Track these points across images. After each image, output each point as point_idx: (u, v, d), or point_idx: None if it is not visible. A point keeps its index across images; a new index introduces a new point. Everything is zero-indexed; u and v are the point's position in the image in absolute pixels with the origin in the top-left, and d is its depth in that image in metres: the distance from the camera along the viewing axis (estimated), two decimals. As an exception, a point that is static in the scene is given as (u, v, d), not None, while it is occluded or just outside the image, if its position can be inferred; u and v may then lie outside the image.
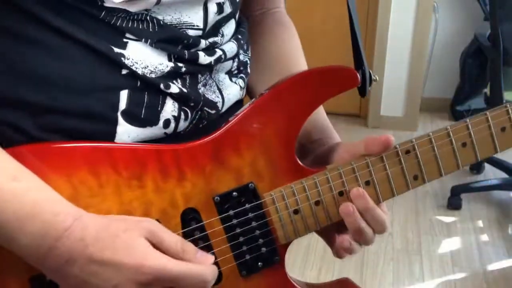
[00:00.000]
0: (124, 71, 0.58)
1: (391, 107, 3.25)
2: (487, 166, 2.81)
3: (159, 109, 0.60)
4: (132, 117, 0.59)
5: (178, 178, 0.60)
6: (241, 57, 0.72)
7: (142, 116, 0.60)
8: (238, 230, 0.62)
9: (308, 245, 2.30)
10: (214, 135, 0.61)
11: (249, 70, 0.74)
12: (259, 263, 0.64)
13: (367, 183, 0.63)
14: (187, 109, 0.63)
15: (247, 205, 0.62)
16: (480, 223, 2.42)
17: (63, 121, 0.58)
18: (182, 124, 0.63)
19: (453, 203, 2.50)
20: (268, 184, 0.62)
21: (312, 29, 3.23)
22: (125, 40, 0.57)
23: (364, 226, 0.62)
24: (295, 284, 0.66)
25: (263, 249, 0.63)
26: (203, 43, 0.62)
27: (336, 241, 0.66)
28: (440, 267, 2.17)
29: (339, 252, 0.66)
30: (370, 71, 0.67)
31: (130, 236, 0.53)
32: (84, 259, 0.52)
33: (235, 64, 0.70)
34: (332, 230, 0.67)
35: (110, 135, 0.59)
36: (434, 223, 2.43)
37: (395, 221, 2.45)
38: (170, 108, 0.61)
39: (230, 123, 0.61)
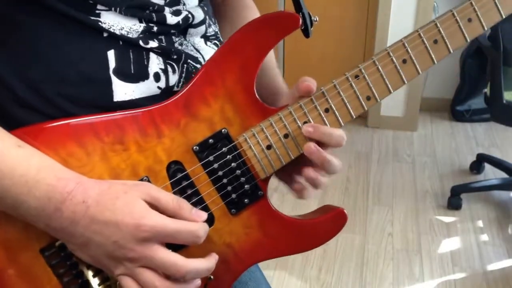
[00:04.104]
0: (105, 34, 0.64)
1: (391, 107, 3.25)
2: (487, 166, 2.81)
3: (146, 63, 0.67)
4: (123, 74, 0.65)
5: (157, 136, 0.65)
6: (213, 27, 0.77)
7: (133, 72, 0.66)
8: (220, 173, 0.68)
9: (308, 245, 2.30)
10: (182, 91, 0.67)
11: (221, 39, 0.80)
12: (245, 200, 0.69)
13: (327, 110, 0.70)
14: (172, 62, 0.69)
15: (224, 149, 0.67)
16: (480, 223, 2.42)
17: (63, 90, 0.64)
18: (173, 78, 0.69)
19: (453, 203, 2.50)
20: (239, 128, 0.68)
21: (312, 30, 3.22)
22: (97, 11, 0.64)
23: (329, 158, 0.67)
24: (281, 214, 0.71)
25: (246, 186, 0.69)
26: (168, 10, 0.69)
27: (295, 182, 0.72)
28: (440, 267, 2.17)
29: (299, 192, 0.73)
30: (309, 12, 0.73)
31: (129, 198, 0.58)
32: (87, 219, 0.57)
33: (210, 30, 0.75)
34: (291, 173, 0.73)
35: (108, 96, 0.65)
36: (434, 223, 2.44)
37: (395, 221, 2.45)
38: (155, 62, 0.67)
39: (195, 78, 0.67)
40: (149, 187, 0.61)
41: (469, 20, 0.70)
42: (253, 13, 0.87)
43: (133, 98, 0.66)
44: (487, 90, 2.41)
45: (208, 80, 0.67)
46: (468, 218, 2.46)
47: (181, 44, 0.71)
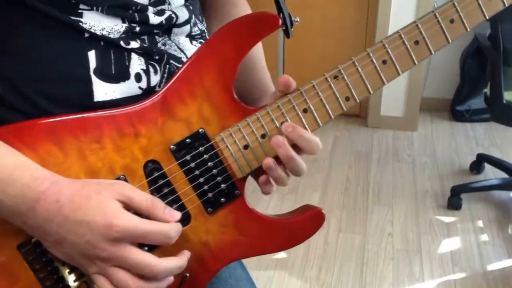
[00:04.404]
0: (86, 34, 0.65)
1: (391, 107, 3.25)
2: (487, 166, 2.81)
3: (127, 64, 0.67)
4: (104, 74, 0.66)
5: (134, 135, 0.66)
6: (199, 25, 0.77)
7: (113, 72, 0.66)
8: (196, 172, 0.68)
9: (308, 244, 2.30)
10: (161, 91, 0.67)
11: (208, 37, 0.80)
12: (222, 199, 0.70)
13: (305, 110, 0.69)
14: (154, 63, 0.69)
15: (201, 148, 0.68)
16: (480, 223, 2.42)
17: (44, 89, 0.64)
18: (154, 78, 0.69)
19: (453, 203, 2.50)
20: (217, 127, 0.68)
21: (312, 29, 3.23)
22: (79, 11, 0.64)
23: (294, 155, 0.67)
24: (258, 213, 0.72)
25: (223, 185, 0.69)
26: (151, 9, 0.69)
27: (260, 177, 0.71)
28: (440, 267, 2.17)
29: (263, 188, 0.71)
30: (290, 13, 0.72)
31: (102, 198, 0.59)
32: (60, 218, 0.58)
33: (196, 29, 0.75)
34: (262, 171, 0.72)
35: (89, 96, 0.66)
36: (434, 223, 2.44)
37: (395, 221, 2.45)
38: (137, 62, 0.68)
39: (173, 78, 0.67)
40: (123, 187, 0.61)
41: (451, 21, 0.69)
42: (244, 10, 0.86)
43: (114, 98, 0.67)
44: (487, 90, 2.41)
45: (186, 79, 0.67)
46: (468, 218, 2.46)
47: (164, 44, 0.71)
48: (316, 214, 0.72)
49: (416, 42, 0.69)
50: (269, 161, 0.67)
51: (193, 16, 0.76)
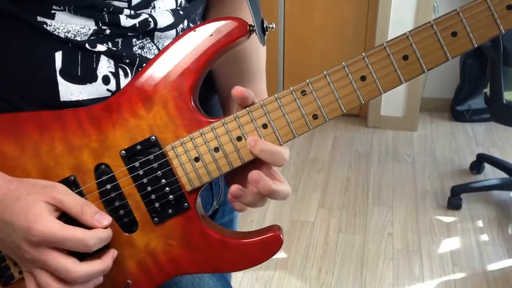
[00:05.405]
0: (55, 36, 0.65)
1: (391, 107, 3.25)
2: (487, 166, 2.81)
3: (94, 66, 0.67)
4: (70, 75, 0.66)
5: (87, 137, 0.66)
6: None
7: (80, 74, 0.66)
8: (144, 180, 0.66)
9: (308, 245, 2.30)
10: (116, 95, 0.66)
11: None
12: (169, 210, 0.67)
13: (264, 126, 0.64)
14: (124, 66, 0.68)
15: (151, 156, 0.66)
16: (480, 223, 2.42)
17: (16, 87, 0.66)
18: (124, 81, 0.68)
19: (453, 203, 2.50)
20: (170, 136, 0.66)
21: (312, 29, 3.23)
22: (52, 11, 0.65)
23: (275, 188, 0.64)
24: (209, 230, 0.68)
25: (171, 196, 0.67)
26: (126, 12, 0.67)
27: (228, 195, 0.67)
28: (440, 267, 2.17)
29: (233, 205, 0.68)
30: (264, 19, 0.70)
31: (29, 200, 0.60)
32: None
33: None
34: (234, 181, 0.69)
35: (55, 96, 0.66)
36: (434, 223, 2.44)
37: (395, 221, 2.45)
38: (105, 65, 0.67)
39: (131, 82, 0.66)
40: (55, 190, 0.62)
41: (454, 34, 0.61)
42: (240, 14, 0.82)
43: (80, 99, 0.67)
44: (487, 90, 2.41)
45: (142, 85, 0.66)
46: (468, 218, 2.46)
47: (142, 47, 0.70)
48: (270, 238, 0.67)
49: (405, 57, 0.61)
50: (233, 188, 0.64)
51: (186, 21, 0.73)
